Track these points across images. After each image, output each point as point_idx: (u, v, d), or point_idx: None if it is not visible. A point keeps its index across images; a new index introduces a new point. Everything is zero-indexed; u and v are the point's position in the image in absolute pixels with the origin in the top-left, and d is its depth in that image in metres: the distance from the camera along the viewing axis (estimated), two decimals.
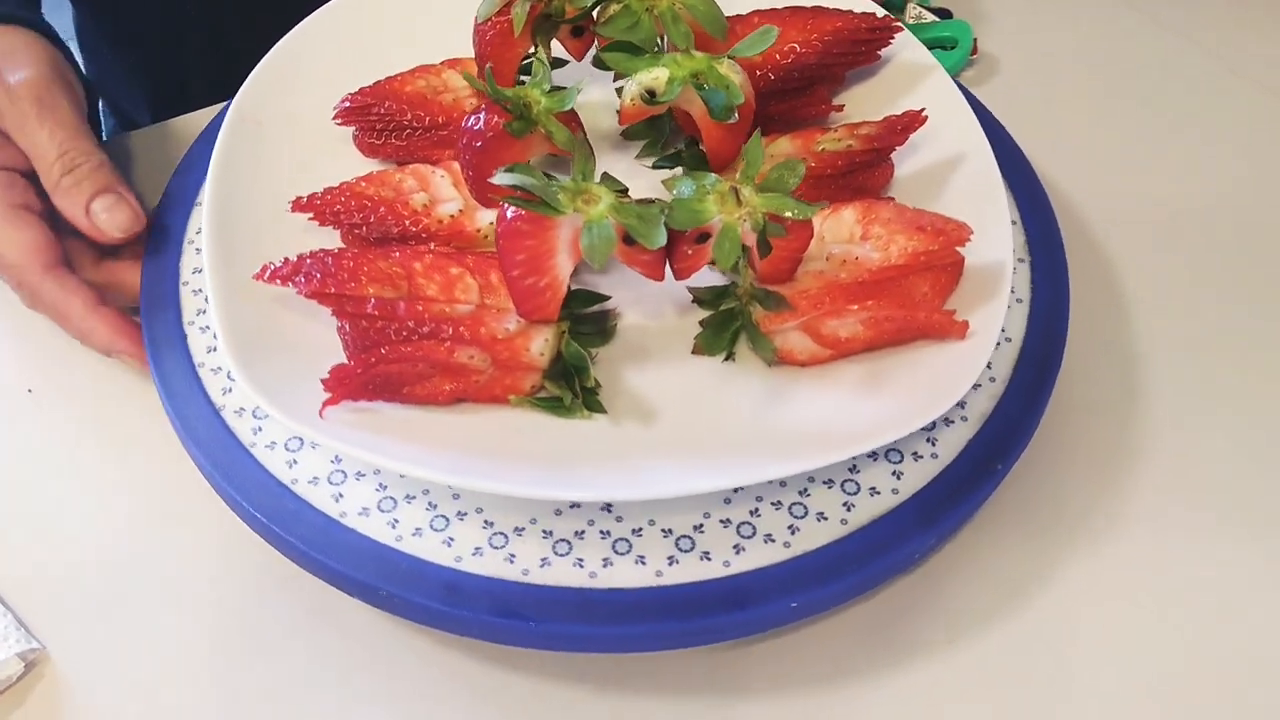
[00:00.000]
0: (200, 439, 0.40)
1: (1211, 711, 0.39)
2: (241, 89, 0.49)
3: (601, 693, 0.39)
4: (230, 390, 0.42)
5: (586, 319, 0.42)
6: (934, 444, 0.41)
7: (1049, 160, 0.55)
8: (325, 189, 0.44)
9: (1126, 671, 0.40)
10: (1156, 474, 0.45)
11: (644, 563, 0.38)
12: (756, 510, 0.39)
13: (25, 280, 0.46)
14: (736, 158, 0.45)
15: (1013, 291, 0.41)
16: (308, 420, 0.37)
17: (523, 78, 0.47)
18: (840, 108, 0.50)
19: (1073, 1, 0.67)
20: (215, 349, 0.43)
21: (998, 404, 0.42)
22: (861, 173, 0.46)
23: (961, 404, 0.41)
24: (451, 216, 0.44)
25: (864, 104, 0.50)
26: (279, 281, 0.39)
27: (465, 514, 0.39)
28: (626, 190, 0.39)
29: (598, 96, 0.50)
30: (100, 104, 0.68)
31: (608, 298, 0.43)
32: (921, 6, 0.64)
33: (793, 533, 0.38)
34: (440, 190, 0.45)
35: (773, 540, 0.38)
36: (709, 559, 0.38)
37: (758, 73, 0.48)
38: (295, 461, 0.40)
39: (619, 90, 0.45)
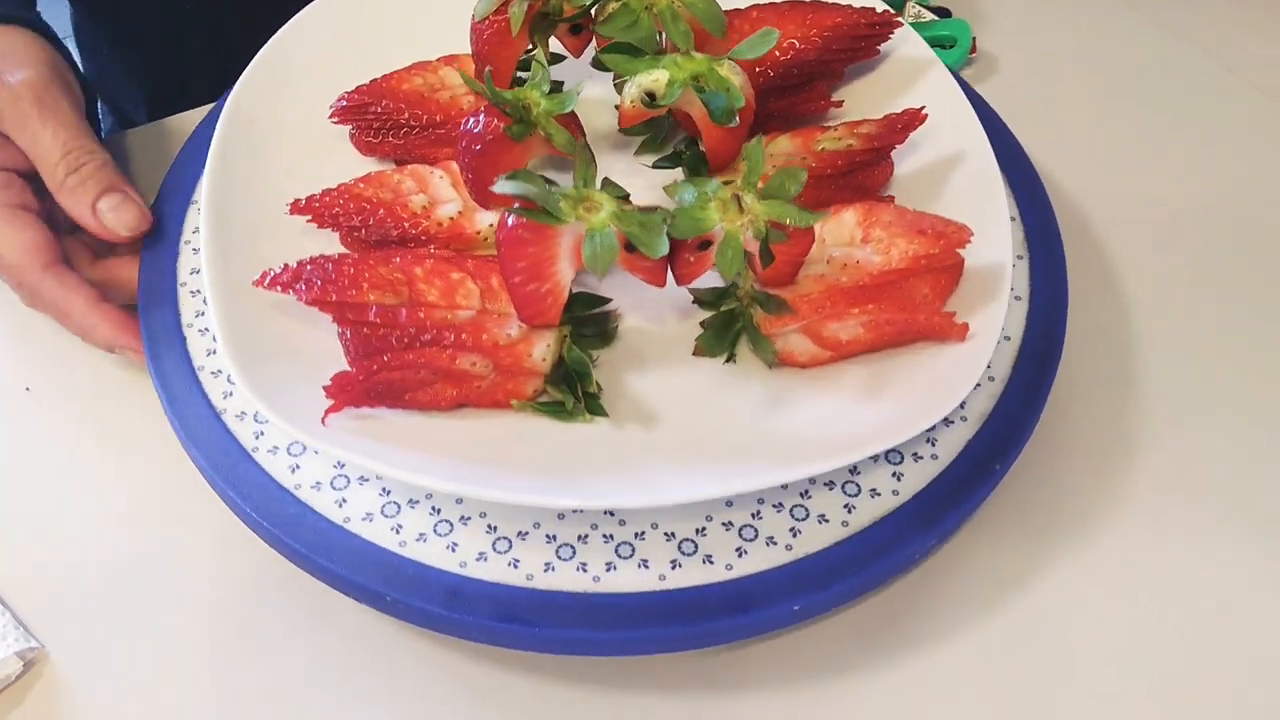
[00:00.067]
0: (202, 443, 0.40)
1: (1211, 711, 0.39)
2: (236, 85, 0.48)
3: (601, 693, 0.39)
4: (231, 394, 0.42)
5: (587, 322, 0.42)
6: (934, 444, 0.41)
7: (1048, 160, 0.55)
8: (323, 191, 0.44)
9: (1126, 671, 0.40)
10: (1156, 473, 0.45)
11: (647, 567, 0.38)
12: (758, 513, 0.39)
13: (25, 279, 0.46)
14: (736, 157, 0.45)
15: (1011, 289, 0.41)
16: (310, 427, 0.37)
17: (520, 74, 0.47)
18: (840, 103, 0.50)
19: (1072, 1, 0.67)
20: (215, 351, 0.43)
21: (997, 403, 0.42)
22: (861, 171, 0.46)
23: (961, 404, 0.41)
24: (451, 219, 0.44)
25: (864, 99, 0.50)
26: (279, 288, 0.39)
27: (469, 519, 0.39)
28: (628, 196, 0.39)
29: (596, 93, 0.50)
30: (99, 103, 0.68)
31: (608, 300, 0.43)
32: (920, 5, 0.64)
33: (794, 535, 0.39)
34: (439, 191, 0.45)
35: (774, 543, 0.38)
36: (711, 562, 0.38)
37: (757, 69, 0.47)
38: (298, 466, 0.40)
39: (618, 86, 0.44)
